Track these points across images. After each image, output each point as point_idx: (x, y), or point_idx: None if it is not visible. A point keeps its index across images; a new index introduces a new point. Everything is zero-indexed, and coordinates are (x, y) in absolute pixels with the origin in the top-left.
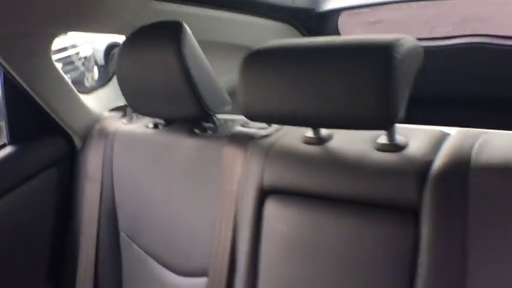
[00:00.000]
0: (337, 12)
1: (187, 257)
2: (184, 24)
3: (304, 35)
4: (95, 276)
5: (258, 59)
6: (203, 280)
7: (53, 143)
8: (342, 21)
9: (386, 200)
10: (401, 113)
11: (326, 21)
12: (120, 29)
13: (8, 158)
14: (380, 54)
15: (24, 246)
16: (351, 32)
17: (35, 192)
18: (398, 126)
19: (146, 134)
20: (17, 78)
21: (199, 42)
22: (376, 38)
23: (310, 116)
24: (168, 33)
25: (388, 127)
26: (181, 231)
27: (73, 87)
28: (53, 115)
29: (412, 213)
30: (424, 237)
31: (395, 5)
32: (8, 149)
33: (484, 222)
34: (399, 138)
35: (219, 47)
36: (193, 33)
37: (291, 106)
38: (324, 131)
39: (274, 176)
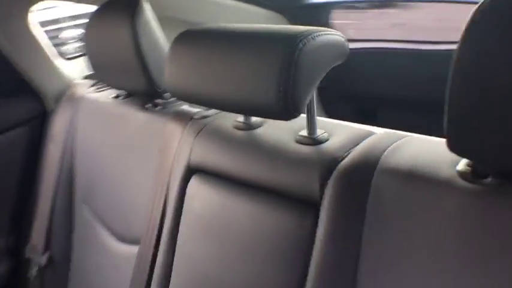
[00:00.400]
0: (327, 6)
1: (127, 225)
2: (143, 1)
3: (292, 25)
4: (46, 236)
5: (185, 40)
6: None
7: (27, 103)
8: (365, 19)
9: (293, 192)
10: (303, 105)
11: (316, 14)
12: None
13: None
14: (282, 45)
15: None
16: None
17: (4, 147)
18: (326, 121)
19: (105, 104)
20: None
21: (185, 23)
22: (290, 28)
23: (221, 99)
24: (125, 8)
25: (288, 118)
26: (125, 200)
27: (50, 53)
28: (27, 77)
29: (313, 209)
30: (320, 234)
31: (423, 9)
32: None
33: (381, 227)
34: (320, 132)
35: None
36: (178, 14)
37: (205, 88)
38: (255, 118)
39: (200, 155)
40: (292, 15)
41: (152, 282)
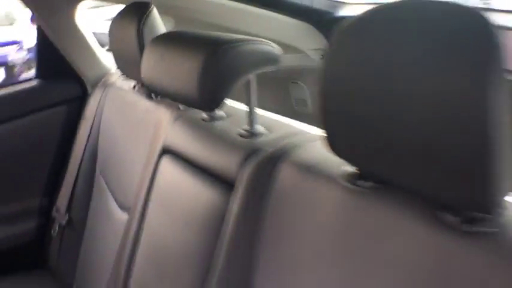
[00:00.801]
0: None
1: (125, 196)
2: (152, 6)
3: (325, 37)
4: (69, 200)
5: (155, 42)
6: None
7: (69, 85)
8: None
9: (221, 174)
10: (221, 100)
11: None
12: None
13: (32, 88)
14: (205, 49)
15: (29, 162)
16: None
17: (45, 122)
18: (272, 119)
19: (125, 91)
20: (45, 30)
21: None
22: (220, 36)
23: (169, 91)
24: (135, 12)
25: (209, 109)
26: (126, 174)
27: (92, 45)
28: (72, 64)
29: (230, 189)
30: (232, 209)
31: None
32: (33, 82)
33: (278, 213)
34: (259, 128)
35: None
36: (213, 19)
37: (160, 80)
38: (219, 112)
39: (171, 139)
40: (324, 27)
41: (126, 248)
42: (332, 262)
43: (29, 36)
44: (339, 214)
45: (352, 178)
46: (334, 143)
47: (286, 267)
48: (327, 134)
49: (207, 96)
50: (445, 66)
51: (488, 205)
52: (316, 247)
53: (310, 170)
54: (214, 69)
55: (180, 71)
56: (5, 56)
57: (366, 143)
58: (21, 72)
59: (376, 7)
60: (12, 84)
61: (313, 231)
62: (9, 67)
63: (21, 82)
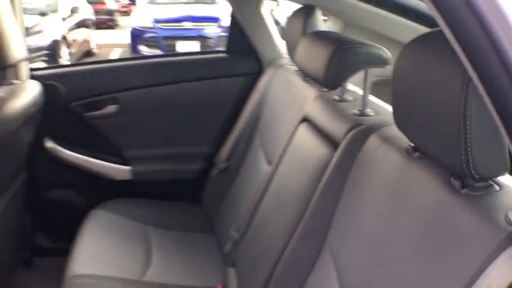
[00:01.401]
0: None
1: (273, 152)
2: (316, 9)
3: None
4: (230, 151)
5: (307, 37)
6: None
7: (249, 62)
8: None
9: (334, 136)
10: (339, 83)
11: None
12: None
13: (220, 59)
14: (334, 46)
15: (206, 116)
16: None
17: (227, 87)
18: (382, 106)
19: (289, 73)
20: (237, 15)
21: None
22: (347, 38)
23: (310, 73)
24: (303, 12)
25: (330, 88)
26: (277, 136)
27: (272, 32)
28: (254, 45)
29: (335, 147)
30: (331, 163)
31: None
32: (223, 54)
33: (360, 172)
34: (368, 110)
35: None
36: (369, 24)
37: (307, 65)
38: (350, 97)
39: (310, 110)
40: None
41: (261, 190)
42: (383, 204)
43: (226, 15)
44: (394, 174)
45: (409, 150)
46: (398, 120)
47: (358, 202)
48: (394, 115)
49: (329, 78)
50: (444, 75)
51: (467, 172)
52: (376, 193)
53: (386, 142)
54: (336, 60)
55: (316, 59)
56: (202, 30)
57: (413, 123)
58: (215, 46)
59: (423, 34)
60: (208, 52)
61: (377, 183)
62: (204, 40)
63: (214, 52)
